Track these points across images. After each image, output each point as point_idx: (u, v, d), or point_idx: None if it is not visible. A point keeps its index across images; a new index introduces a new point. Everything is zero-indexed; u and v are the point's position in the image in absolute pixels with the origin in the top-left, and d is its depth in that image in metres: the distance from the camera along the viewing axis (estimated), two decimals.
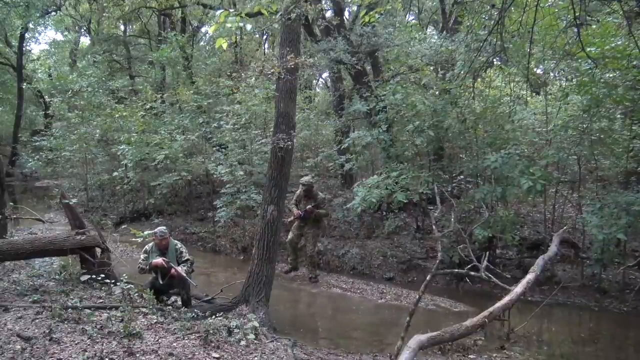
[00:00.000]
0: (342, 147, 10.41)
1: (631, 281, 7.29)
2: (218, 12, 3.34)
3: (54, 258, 6.82)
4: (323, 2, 12.62)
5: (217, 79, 13.68)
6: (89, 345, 3.90)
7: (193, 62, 16.29)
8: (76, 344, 3.91)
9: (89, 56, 21.78)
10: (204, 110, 12.69)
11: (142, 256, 5.80)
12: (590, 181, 8.63)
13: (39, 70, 26.86)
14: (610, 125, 7.66)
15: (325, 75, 19.01)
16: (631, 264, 7.09)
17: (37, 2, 17.22)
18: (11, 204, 9.56)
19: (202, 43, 20.58)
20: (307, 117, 12.57)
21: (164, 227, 5.86)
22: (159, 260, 5.60)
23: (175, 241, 5.95)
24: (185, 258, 5.83)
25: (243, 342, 4.48)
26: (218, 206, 9.93)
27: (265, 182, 6.59)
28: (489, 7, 6.62)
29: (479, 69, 7.30)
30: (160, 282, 5.65)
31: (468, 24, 7.96)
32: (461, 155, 10.01)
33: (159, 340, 4.23)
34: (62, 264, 6.65)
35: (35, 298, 5.10)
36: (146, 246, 5.85)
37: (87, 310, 4.57)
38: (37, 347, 3.76)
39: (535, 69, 10.15)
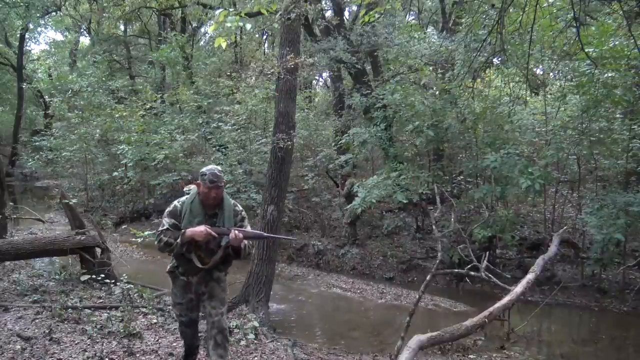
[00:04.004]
0: (340, 142, 10.38)
1: (631, 281, 7.30)
2: (217, 12, 3.31)
3: (54, 258, 6.82)
4: (323, 2, 12.63)
5: (217, 79, 13.69)
6: (89, 345, 3.90)
7: (193, 62, 16.30)
8: (76, 344, 3.91)
9: (89, 56, 21.78)
10: (204, 110, 12.70)
11: (165, 221, 3.25)
12: (590, 181, 8.64)
13: (39, 70, 26.83)
14: (609, 126, 7.67)
15: (325, 75, 19.03)
16: (631, 264, 7.09)
17: (37, 3, 17.19)
18: (11, 204, 9.56)
19: (202, 43, 20.58)
20: (306, 117, 12.58)
21: (219, 168, 3.31)
22: (201, 228, 3.12)
23: (232, 200, 3.43)
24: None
25: (243, 342, 4.48)
26: None
27: (265, 182, 6.60)
28: (488, 7, 6.62)
29: (478, 69, 7.31)
30: (199, 265, 3.22)
31: (467, 23, 7.96)
32: (461, 155, 10.01)
33: (159, 340, 4.23)
34: (62, 264, 6.65)
35: (35, 298, 5.10)
36: (176, 202, 3.31)
37: (87, 310, 4.57)
38: (37, 347, 3.76)
39: (534, 69, 10.15)
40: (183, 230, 3.16)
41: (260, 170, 10.57)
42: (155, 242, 3.25)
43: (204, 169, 3.26)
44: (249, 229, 3.37)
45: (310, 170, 11.31)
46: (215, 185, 3.18)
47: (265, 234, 3.59)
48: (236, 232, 3.15)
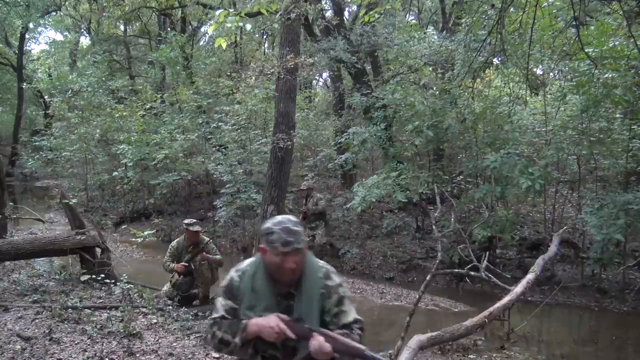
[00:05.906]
0: (340, 141, 10.38)
1: (631, 281, 7.29)
2: (218, 12, 3.33)
3: (54, 258, 6.82)
4: (323, 2, 12.64)
5: (217, 79, 13.70)
6: (89, 345, 3.90)
7: (193, 62, 16.30)
8: (76, 344, 3.91)
9: (89, 56, 21.79)
10: (203, 110, 12.71)
11: (220, 303, 2.25)
12: (590, 181, 8.64)
13: (39, 70, 26.83)
14: (609, 126, 7.67)
15: (325, 75, 19.05)
16: (631, 264, 7.08)
17: (37, 2, 17.21)
18: (11, 204, 9.56)
19: (202, 43, 20.58)
20: (306, 117, 12.58)
21: (293, 219, 2.23)
22: (271, 322, 2.03)
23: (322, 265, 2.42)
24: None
25: None
26: (218, 206, 9.93)
27: (265, 182, 6.60)
28: (488, 7, 6.62)
29: (478, 69, 7.31)
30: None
31: (467, 23, 7.97)
32: (461, 155, 10.02)
33: (159, 340, 4.23)
34: (62, 264, 6.66)
35: (35, 298, 5.10)
36: (232, 272, 2.43)
37: (87, 310, 4.58)
38: (37, 347, 3.77)
39: (534, 69, 10.16)
40: (244, 323, 2.02)
41: (260, 170, 10.56)
42: (208, 337, 2.11)
43: (268, 224, 2.04)
44: (350, 316, 2.18)
45: (310, 170, 11.31)
46: (293, 249, 1.96)
47: (370, 354, 2.14)
48: (320, 340, 1.96)
